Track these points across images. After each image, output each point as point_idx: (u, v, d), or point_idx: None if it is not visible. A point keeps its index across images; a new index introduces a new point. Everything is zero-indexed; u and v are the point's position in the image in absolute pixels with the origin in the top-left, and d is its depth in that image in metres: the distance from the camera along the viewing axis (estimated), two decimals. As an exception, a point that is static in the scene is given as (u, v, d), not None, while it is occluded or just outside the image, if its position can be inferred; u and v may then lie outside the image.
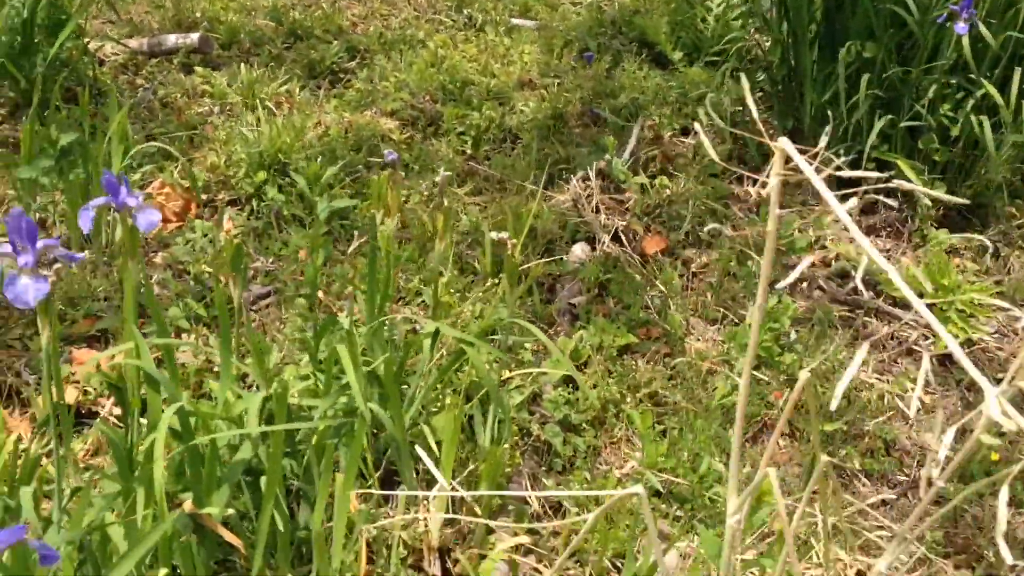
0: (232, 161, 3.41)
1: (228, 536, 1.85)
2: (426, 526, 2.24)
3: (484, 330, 2.36)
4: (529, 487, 2.48)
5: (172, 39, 4.45)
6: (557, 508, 2.48)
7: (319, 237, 2.82)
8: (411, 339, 2.33)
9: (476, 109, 3.93)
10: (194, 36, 4.44)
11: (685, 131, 4.09)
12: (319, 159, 3.40)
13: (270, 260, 3.11)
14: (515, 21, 5.00)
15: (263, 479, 1.93)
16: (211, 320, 2.76)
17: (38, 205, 3.14)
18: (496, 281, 2.92)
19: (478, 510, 2.28)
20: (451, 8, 5.18)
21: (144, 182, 3.40)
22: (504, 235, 2.10)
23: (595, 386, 2.74)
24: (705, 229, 3.50)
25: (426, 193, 3.40)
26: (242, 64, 4.22)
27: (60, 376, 1.76)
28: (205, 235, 3.18)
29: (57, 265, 1.53)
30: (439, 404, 2.39)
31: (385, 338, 2.32)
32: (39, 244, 1.54)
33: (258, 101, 3.90)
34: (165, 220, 3.36)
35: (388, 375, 2.06)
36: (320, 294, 2.84)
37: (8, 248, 1.55)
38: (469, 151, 3.79)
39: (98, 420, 2.04)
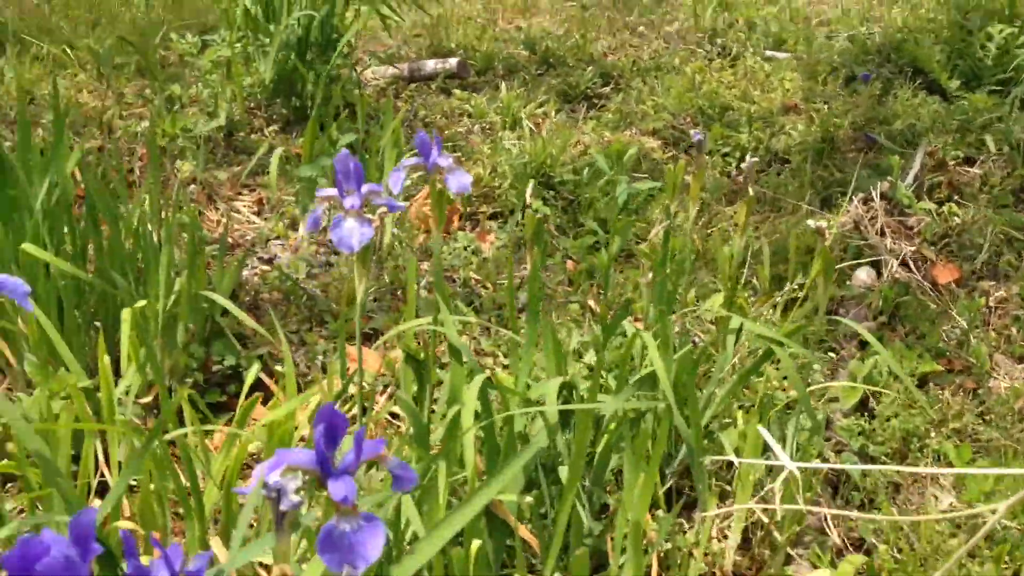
0: (497, 172, 3.35)
1: (524, 533, 1.71)
2: (721, 546, 2.02)
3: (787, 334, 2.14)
4: (826, 517, 2.22)
5: (431, 64, 4.49)
6: (858, 544, 2.22)
7: (621, 220, 2.65)
8: (707, 342, 2.13)
9: (739, 131, 3.75)
10: (452, 61, 4.47)
11: (969, 159, 3.76)
12: (585, 171, 3.29)
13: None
14: (769, 53, 4.80)
15: (561, 471, 1.78)
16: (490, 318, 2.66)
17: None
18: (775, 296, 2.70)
19: (777, 535, 2.04)
20: (703, 39, 5.04)
21: (408, 193, 3.38)
22: (822, 224, 1.88)
23: (895, 416, 2.46)
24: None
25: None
26: (501, 84, 4.20)
27: (360, 343, 1.66)
28: (467, 246, 3.12)
29: (381, 208, 1.43)
30: (730, 416, 2.18)
31: (674, 341, 2.14)
32: (364, 189, 1.46)
33: (517, 120, 3.85)
34: (427, 231, 3.32)
35: (687, 372, 1.87)
36: (590, 301, 2.70)
37: (333, 191, 1.48)
38: (733, 171, 3.60)
39: (397, 393, 1.93)
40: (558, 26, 5.17)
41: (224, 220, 3.28)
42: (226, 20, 4.24)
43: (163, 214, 2.56)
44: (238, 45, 4.10)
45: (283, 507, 0.87)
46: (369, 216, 1.44)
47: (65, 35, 4.81)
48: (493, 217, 3.38)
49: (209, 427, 1.87)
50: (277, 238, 3.26)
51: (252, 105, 4.09)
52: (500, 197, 3.32)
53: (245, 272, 3.00)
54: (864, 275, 3.06)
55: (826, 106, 4.08)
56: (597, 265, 2.78)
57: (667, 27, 5.38)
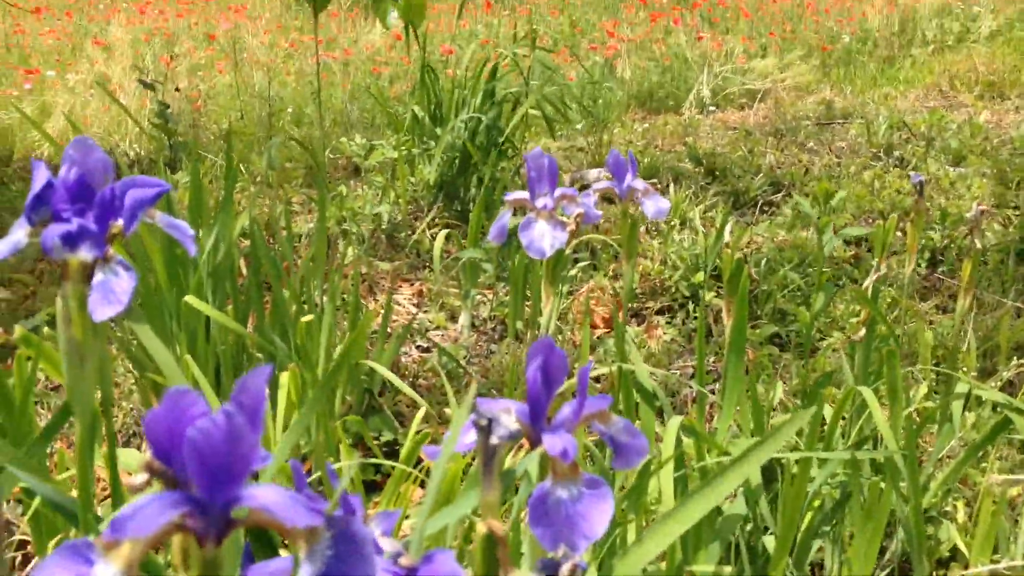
0: (667, 264, 3.17)
1: (721, 610, 1.45)
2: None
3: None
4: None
5: (593, 173, 4.41)
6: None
7: (825, 272, 2.42)
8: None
9: (929, 231, 3.48)
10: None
11: None
12: (764, 263, 3.07)
13: (711, 360, 2.77)
14: (949, 168, 4.53)
15: (763, 543, 1.52)
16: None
17: (473, 295, 3.04)
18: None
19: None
20: (878, 153, 4.83)
21: (573, 288, 3.23)
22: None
23: None
24: None
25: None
26: (669, 188, 4.07)
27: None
28: (634, 338, 2.92)
29: (578, 211, 1.27)
30: (949, 502, 1.88)
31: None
32: (557, 192, 1.30)
33: (686, 220, 3.69)
34: (593, 326, 3.16)
35: (910, 439, 1.60)
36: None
37: (522, 194, 1.33)
38: (924, 269, 3.33)
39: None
40: (722, 146, 5.06)
41: (383, 309, 3.19)
42: (394, 124, 4.28)
43: (325, 284, 2.48)
44: (404, 148, 4.11)
45: (495, 438, 0.67)
46: (563, 219, 1.28)
47: (241, 152, 4.95)
48: (660, 312, 3.18)
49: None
50: (436, 328, 3.14)
51: (414, 207, 4.06)
52: (669, 290, 3.13)
53: (403, 358, 2.89)
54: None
55: (1017, 213, 3.78)
56: (790, 347, 2.53)
57: (839, 142, 5.19)
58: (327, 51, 8.98)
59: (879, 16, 10.22)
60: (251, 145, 5.11)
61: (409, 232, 3.88)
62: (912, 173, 1.87)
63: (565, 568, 0.66)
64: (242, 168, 4.56)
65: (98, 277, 0.78)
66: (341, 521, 0.54)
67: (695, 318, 3.01)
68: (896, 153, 4.73)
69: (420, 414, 1.79)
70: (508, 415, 0.73)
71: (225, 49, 8.85)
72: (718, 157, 4.68)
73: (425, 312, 3.24)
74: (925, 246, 3.42)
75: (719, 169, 4.59)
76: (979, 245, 1.78)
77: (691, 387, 2.57)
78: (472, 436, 0.74)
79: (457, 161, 4.02)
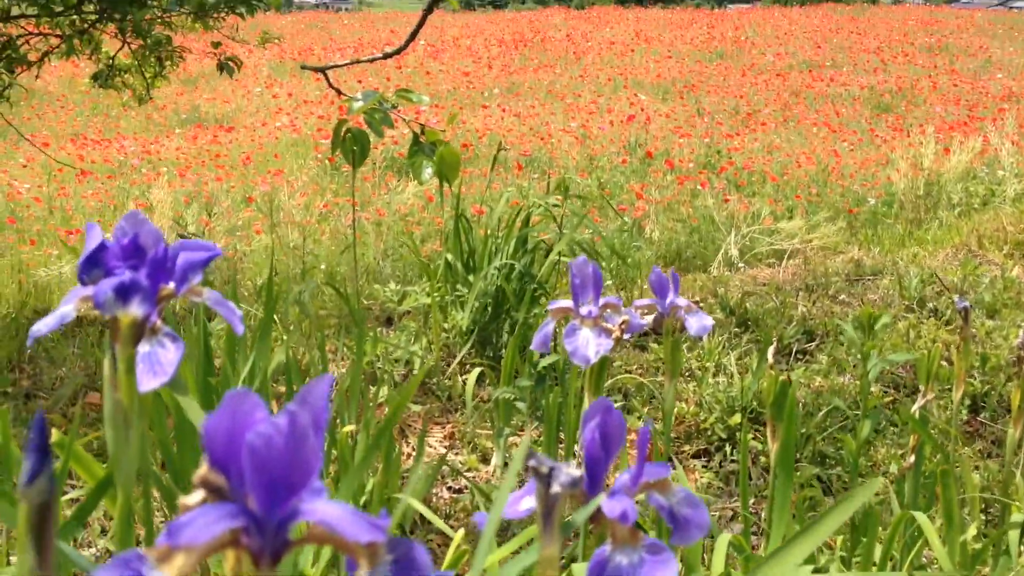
0: (703, 407, 3.13)
1: None
2: None
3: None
4: None
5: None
6: None
7: (872, 399, 2.37)
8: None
9: (971, 377, 3.43)
10: (648, 318, 4.38)
11: None
12: (801, 406, 3.03)
13: (751, 502, 2.70)
14: (985, 320, 4.52)
15: None
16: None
17: (506, 435, 3.01)
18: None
19: None
20: (910, 305, 4.82)
21: (606, 429, 3.19)
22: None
23: None
24: None
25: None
26: (702, 338, 4.06)
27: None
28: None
29: (622, 320, 1.26)
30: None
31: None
32: (601, 301, 1.30)
33: (720, 366, 3.66)
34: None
35: (967, 567, 1.53)
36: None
37: (566, 303, 1.32)
38: (966, 415, 3.26)
39: None
40: (753, 299, 5.07)
41: (415, 451, 3.15)
42: (427, 271, 4.34)
43: (360, 420, 2.45)
44: (437, 294, 4.15)
45: (556, 487, 0.64)
46: (607, 327, 1.27)
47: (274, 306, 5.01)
48: (696, 456, 3.12)
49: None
50: (468, 470, 3.09)
51: (447, 353, 4.07)
52: (705, 433, 3.08)
53: (433, 499, 2.84)
54: None
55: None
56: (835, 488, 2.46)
57: (870, 295, 5.19)
58: (361, 211, 9.21)
59: (904, 180, 10.38)
60: (285, 297, 5.18)
61: (442, 376, 3.87)
62: (957, 298, 1.85)
63: (626, 638, 0.62)
64: (276, 319, 4.60)
65: (144, 348, 0.77)
66: (403, 545, 0.51)
67: (732, 461, 2.95)
68: (930, 305, 4.72)
69: (457, 536, 1.73)
70: (568, 467, 0.70)
71: (262, 210, 9.09)
72: (750, 308, 4.68)
73: (456, 454, 3.20)
74: (966, 392, 3.36)
75: (751, 319, 4.58)
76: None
77: (732, 530, 2.49)
78: (526, 504, 0.71)
79: (489, 307, 4.05)
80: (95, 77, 7.08)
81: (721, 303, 4.77)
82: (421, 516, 2.22)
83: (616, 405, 3.25)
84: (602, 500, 0.71)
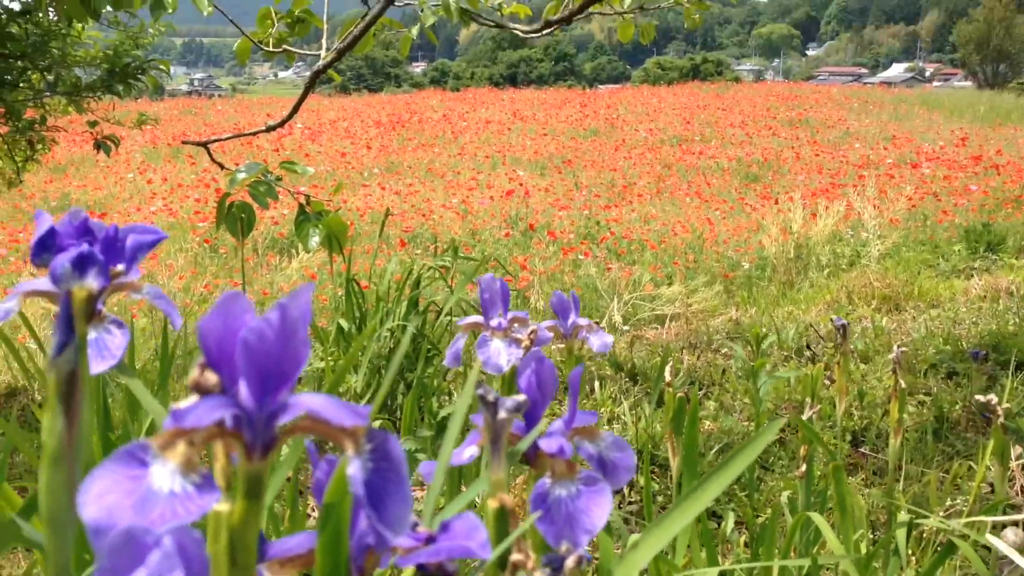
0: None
1: None
2: None
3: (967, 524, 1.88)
4: None
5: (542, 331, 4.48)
6: None
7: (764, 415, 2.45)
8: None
9: (848, 417, 3.61)
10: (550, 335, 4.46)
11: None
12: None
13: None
14: (860, 364, 4.74)
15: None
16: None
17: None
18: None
19: None
20: (788, 355, 5.03)
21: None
22: None
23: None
24: None
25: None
26: (594, 387, 4.15)
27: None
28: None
29: (531, 330, 1.33)
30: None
31: None
32: (509, 315, 1.37)
33: (614, 416, 3.75)
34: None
35: (863, 564, 1.63)
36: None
37: (476, 318, 1.38)
38: (848, 447, 3.42)
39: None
40: (641, 357, 5.21)
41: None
42: (320, 337, 4.33)
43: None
44: (331, 359, 4.15)
45: (503, 413, 0.69)
46: (517, 337, 1.33)
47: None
48: (598, 502, 3.18)
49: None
50: (372, 527, 3.08)
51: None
52: (606, 477, 3.15)
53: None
54: (1012, 535, 2.77)
55: (929, 397, 3.95)
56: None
57: (750, 348, 5.38)
58: (243, 292, 9.08)
59: (775, 245, 10.80)
60: (177, 365, 5.08)
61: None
62: (834, 317, 1.98)
63: (570, 561, 0.67)
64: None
65: (92, 335, 0.80)
66: (380, 436, 0.56)
67: (631, 502, 3.02)
68: (807, 353, 4.92)
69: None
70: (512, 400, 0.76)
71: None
72: (637, 363, 4.81)
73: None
74: (845, 427, 3.52)
75: (639, 373, 4.71)
76: (903, 384, 1.87)
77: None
78: (469, 452, 0.76)
79: (382, 370, 4.06)
80: (-38, 160, 6.87)
81: (610, 360, 4.89)
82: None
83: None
84: (540, 441, 0.76)
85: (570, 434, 0.81)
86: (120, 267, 0.83)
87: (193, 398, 0.54)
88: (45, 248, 0.81)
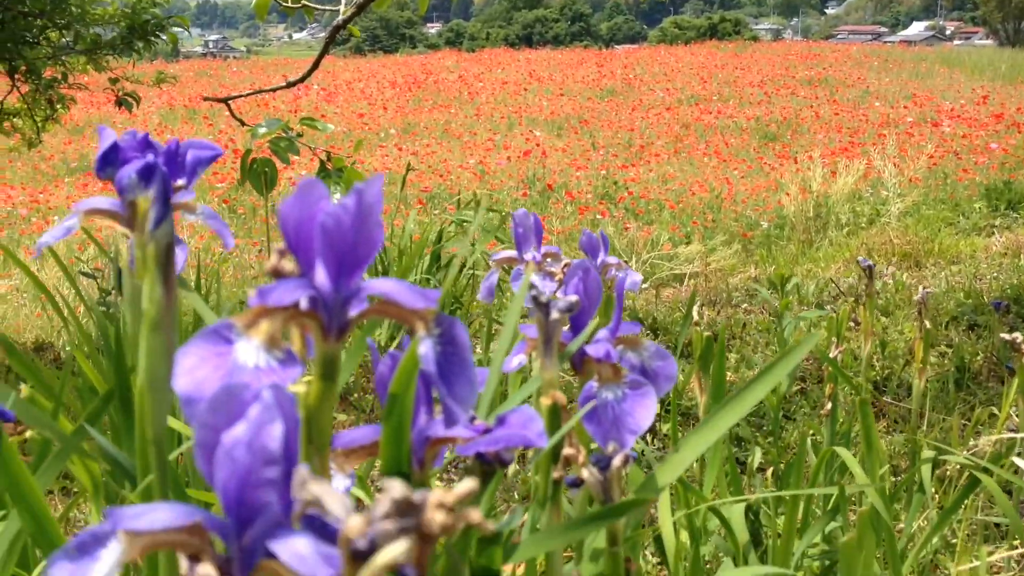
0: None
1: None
2: None
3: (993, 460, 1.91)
4: None
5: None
6: None
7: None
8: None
9: (871, 368, 3.62)
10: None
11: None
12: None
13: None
14: (881, 317, 4.75)
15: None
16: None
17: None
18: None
19: None
20: (809, 308, 5.03)
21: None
22: None
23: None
24: None
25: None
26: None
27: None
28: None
29: (564, 263, 1.35)
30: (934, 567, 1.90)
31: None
32: (542, 249, 1.39)
33: (635, 366, 3.79)
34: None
35: (883, 496, 1.66)
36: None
37: (510, 252, 1.41)
38: (870, 396, 3.44)
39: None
40: (660, 312, 5.23)
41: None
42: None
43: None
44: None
45: (555, 313, 0.72)
46: (551, 270, 1.36)
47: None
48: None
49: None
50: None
51: (366, 370, 4.10)
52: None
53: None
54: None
55: (950, 349, 3.96)
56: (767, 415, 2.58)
57: (769, 303, 5.40)
58: (263, 253, 9.16)
59: (794, 204, 10.76)
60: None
61: (363, 392, 3.90)
62: (860, 258, 2.00)
63: (616, 460, 0.70)
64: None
65: (151, 250, 0.83)
66: (447, 320, 0.58)
67: (655, 449, 3.05)
68: (828, 308, 4.93)
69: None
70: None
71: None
72: (658, 318, 4.83)
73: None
74: (868, 377, 3.54)
75: (660, 327, 4.73)
76: (928, 325, 1.89)
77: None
78: (517, 360, 0.79)
79: (408, 323, 4.11)
80: (-19, 121, 6.90)
81: (631, 314, 4.91)
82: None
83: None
84: (587, 347, 0.79)
85: (614, 342, 0.84)
86: (181, 181, 0.86)
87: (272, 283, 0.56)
88: (108, 162, 0.84)
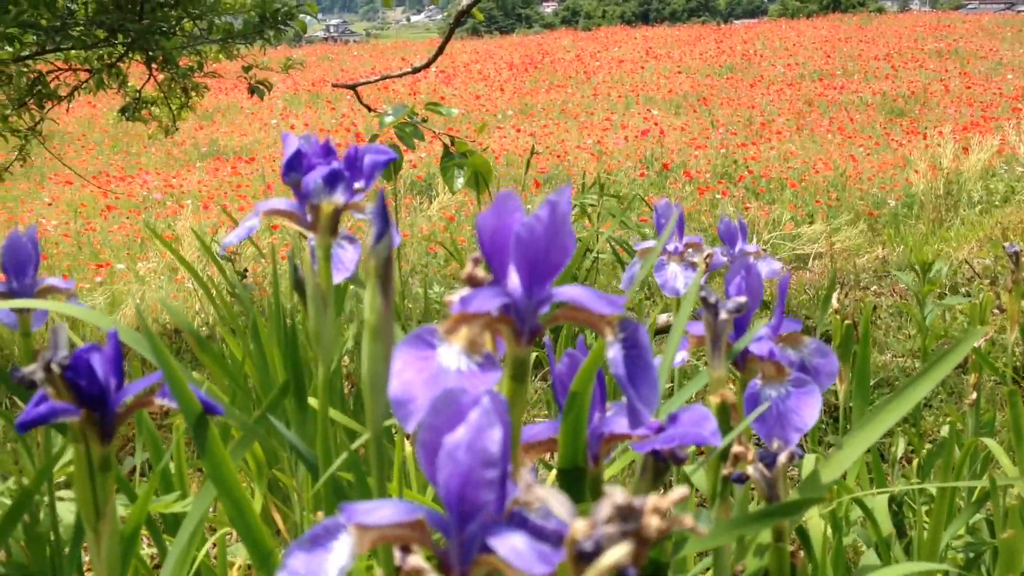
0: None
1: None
2: None
3: None
4: None
5: (717, 256, 4.50)
6: None
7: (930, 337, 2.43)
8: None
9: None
10: (724, 259, 4.46)
11: None
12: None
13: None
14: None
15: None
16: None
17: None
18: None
19: None
20: (942, 292, 4.89)
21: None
22: None
23: None
24: None
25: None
26: (740, 323, 4.14)
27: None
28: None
29: (706, 254, 1.36)
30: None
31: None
32: (684, 239, 1.40)
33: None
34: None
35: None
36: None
37: (652, 243, 1.42)
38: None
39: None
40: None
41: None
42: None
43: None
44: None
45: (723, 314, 0.75)
46: (692, 261, 1.37)
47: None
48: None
49: None
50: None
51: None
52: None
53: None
54: None
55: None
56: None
57: (900, 286, 5.26)
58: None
59: (923, 181, 10.43)
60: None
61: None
62: (1007, 244, 1.94)
63: (782, 457, 0.72)
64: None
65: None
66: (631, 325, 0.61)
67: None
68: (962, 291, 4.79)
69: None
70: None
71: (285, 235, 9.21)
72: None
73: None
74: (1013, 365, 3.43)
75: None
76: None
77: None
78: (681, 356, 0.81)
79: (532, 305, 4.16)
80: (123, 110, 7.18)
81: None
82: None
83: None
84: (751, 345, 0.81)
85: (779, 337, 0.85)
86: (360, 184, 0.91)
87: (465, 290, 0.60)
88: (293, 168, 0.89)
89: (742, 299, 0.77)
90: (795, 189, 10.91)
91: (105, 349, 0.71)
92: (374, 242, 0.67)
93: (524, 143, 14.82)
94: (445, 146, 4.35)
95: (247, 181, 13.33)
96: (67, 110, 7.19)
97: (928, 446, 1.98)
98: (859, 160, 12.26)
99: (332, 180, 0.83)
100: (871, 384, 3.18)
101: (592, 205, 4.47)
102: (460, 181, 4.57)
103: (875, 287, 5.32)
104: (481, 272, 0.61)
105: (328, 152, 0.90)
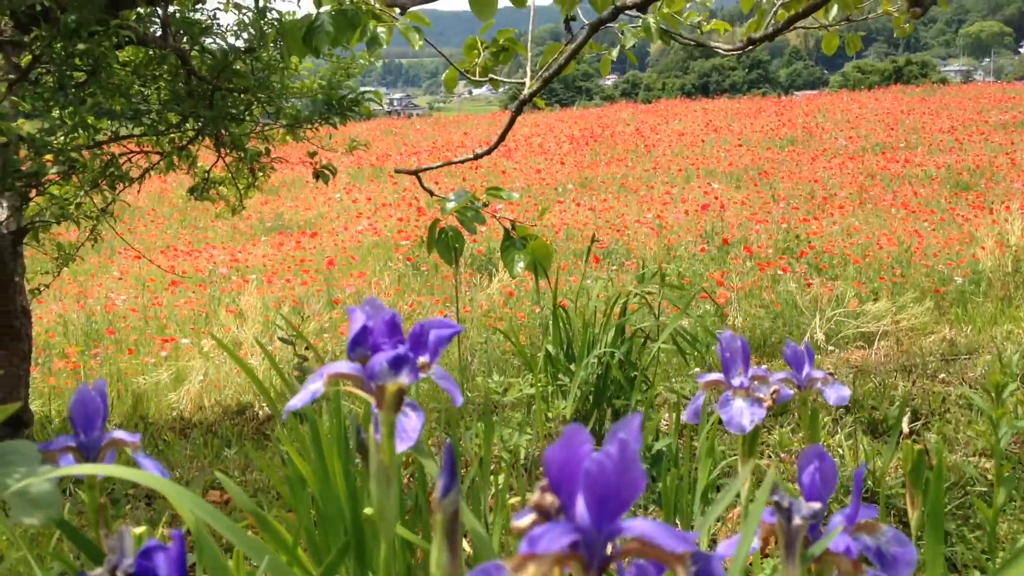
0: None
1: None
2: None
3: None
4: None
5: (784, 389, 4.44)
6: None
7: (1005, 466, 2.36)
8: None
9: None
10: (791, 391, 4.41)
11: None
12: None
13: None
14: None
15: None
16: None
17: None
18: None
19: None
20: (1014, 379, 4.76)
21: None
22: None
23: None
24: None
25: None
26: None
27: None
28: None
29: (772, 389, 1.34)
30: None
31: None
32: (750, 372, 1.38)
33: (829, 448, 3.67)
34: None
35: None
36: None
37: (716, 375, 1.40)
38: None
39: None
40: (850, 381, 5.07)
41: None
42: (529, 363, 4.44)
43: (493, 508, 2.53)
44: (540, 385, 4.24)
45: (797, 519, 0.72)
46: (759, 396, 1.34)
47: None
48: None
49: None
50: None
51: (551, 442, 4.14)
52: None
53: None
54: None
55: None
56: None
57: (969, 373, 5.14)
58: (444, 309, 9.40)
59: (991, 258, 10.26)
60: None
61: (548, 466, 3.94)
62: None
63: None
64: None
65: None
66: (703, 559, 0.59)
67: (852, 541, 2.94)
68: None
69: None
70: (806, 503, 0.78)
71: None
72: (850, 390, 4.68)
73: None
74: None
75: (851, 401, 4.57)
76: None
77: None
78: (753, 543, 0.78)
79: (591, 396, 4.12)
80: (192, 190, 7.35)
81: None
82: None
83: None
84: (823, 539, 0.78)
85: (855, 526, 0.83)
86: (424, 359, 0.91)
87: (530, 516, 0.59)
88: (359, 343, 0.90)
89: (816, 506, 0.75)
90: (858, 265, 10.78)
91: (170, 549, 0.71)
92: (441, 496, 0.67)
93: (584, 217, 14.87)
94: (506, 231, 4.36)
95: (310, 255, 13.54)
96: (138, 190, 7.38)
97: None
98: (924, 235, 12.10)
99: (397, 364, 0.83)
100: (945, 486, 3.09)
101: (651, 293, 4.45)
102: (520, 266, 4.58)
103: (943, 374, 5.21)
104: (549, 499, 0.60)
105: (394, 330, 0.91)
